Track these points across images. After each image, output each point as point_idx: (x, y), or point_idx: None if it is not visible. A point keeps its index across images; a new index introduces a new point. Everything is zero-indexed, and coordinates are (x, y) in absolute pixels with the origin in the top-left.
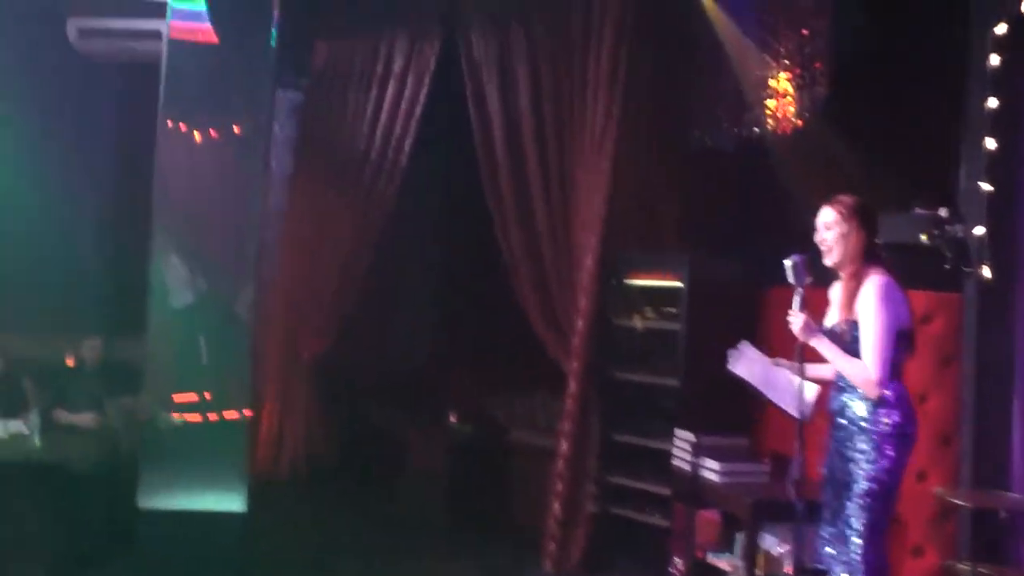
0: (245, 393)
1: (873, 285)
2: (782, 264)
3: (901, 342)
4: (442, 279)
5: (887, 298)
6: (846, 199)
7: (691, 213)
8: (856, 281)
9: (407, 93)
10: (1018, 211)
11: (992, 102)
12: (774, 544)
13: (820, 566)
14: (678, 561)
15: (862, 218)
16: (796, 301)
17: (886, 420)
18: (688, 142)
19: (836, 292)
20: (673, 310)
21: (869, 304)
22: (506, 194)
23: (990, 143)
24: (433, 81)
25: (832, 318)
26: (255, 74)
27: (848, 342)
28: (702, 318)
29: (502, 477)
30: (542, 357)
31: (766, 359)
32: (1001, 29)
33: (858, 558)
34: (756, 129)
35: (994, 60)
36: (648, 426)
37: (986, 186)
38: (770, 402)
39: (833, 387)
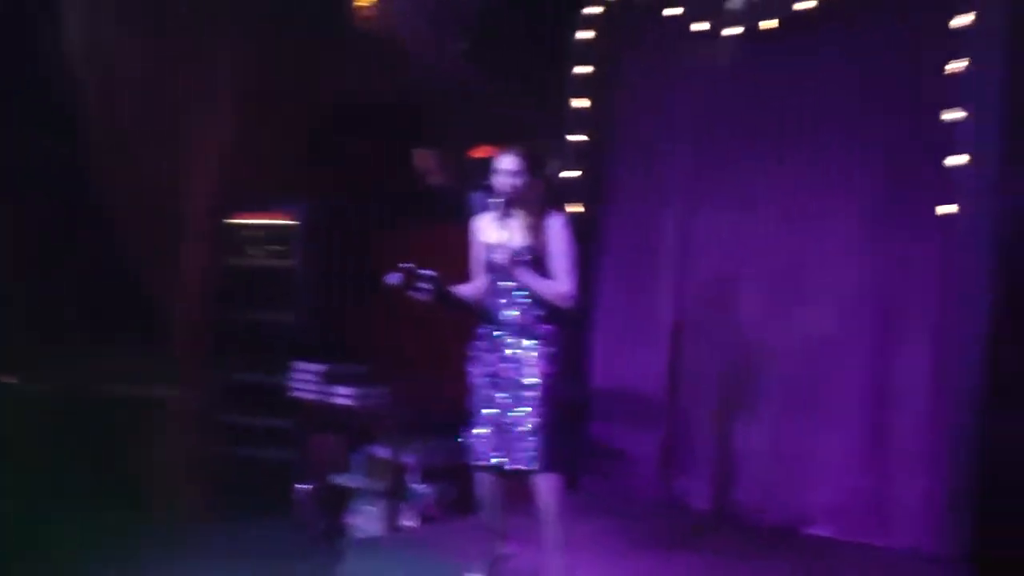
0: None
1: (559, 219)
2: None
3: None
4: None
5: (569, 229)
6: (522, 149)
7: (305, 158)
8: (537, 216)
9: None
10: (605, 158)
11: (586, 68)
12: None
13: (485, 463)
14: (305, 488)
15: (538, 164)
16: (503, 235)
17: (548, 328)
18: (309, 92)
19: (511, 224)
20: (283, 248)
21: (560, 234)
22: (101, 142)
23: (584, 103)
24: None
25: (509, 245)
26: None
27: (533, 266)
28: (316, 256)
29: (103, 434)
30: (144, 307)
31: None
32: (596, 9)
33: (534, 447)
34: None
35: (588, 35)
36: (263, 363)
37: (581, 137)
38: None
39: (503, 305)
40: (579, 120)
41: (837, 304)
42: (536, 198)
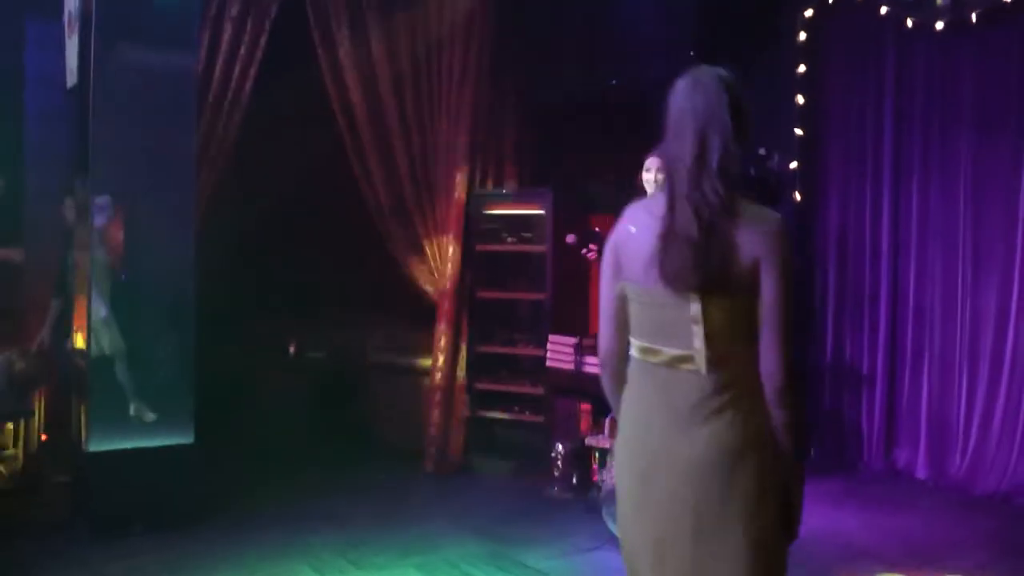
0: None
1: None
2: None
3: None
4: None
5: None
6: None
7: (540, 154)
8: None
9: (245, 39)
10: (821, 150)
11: (801, 68)
12: None
13: None
14: (560, 447)
15: None
16: None
17: None
18: (539, 93)
19: None
20: (529, 235)
21: None
22: (366, 142)
23: (800, 99)
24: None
25: None
26: None
27: None
28: (559, 241)
29: (367, 398)
30: (400, 289)
31: None
32: (808, 12)
33: None
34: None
35: (802, 36)
36: (512, 337)
37: (798, 131)
38: None
39: None
40: (797, 115)
41: None
42: None
